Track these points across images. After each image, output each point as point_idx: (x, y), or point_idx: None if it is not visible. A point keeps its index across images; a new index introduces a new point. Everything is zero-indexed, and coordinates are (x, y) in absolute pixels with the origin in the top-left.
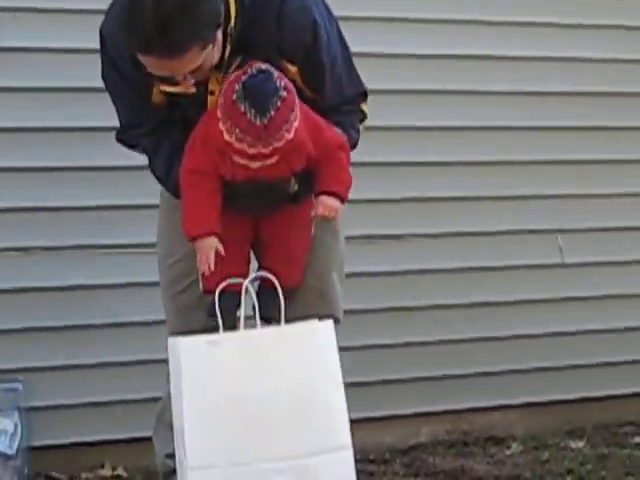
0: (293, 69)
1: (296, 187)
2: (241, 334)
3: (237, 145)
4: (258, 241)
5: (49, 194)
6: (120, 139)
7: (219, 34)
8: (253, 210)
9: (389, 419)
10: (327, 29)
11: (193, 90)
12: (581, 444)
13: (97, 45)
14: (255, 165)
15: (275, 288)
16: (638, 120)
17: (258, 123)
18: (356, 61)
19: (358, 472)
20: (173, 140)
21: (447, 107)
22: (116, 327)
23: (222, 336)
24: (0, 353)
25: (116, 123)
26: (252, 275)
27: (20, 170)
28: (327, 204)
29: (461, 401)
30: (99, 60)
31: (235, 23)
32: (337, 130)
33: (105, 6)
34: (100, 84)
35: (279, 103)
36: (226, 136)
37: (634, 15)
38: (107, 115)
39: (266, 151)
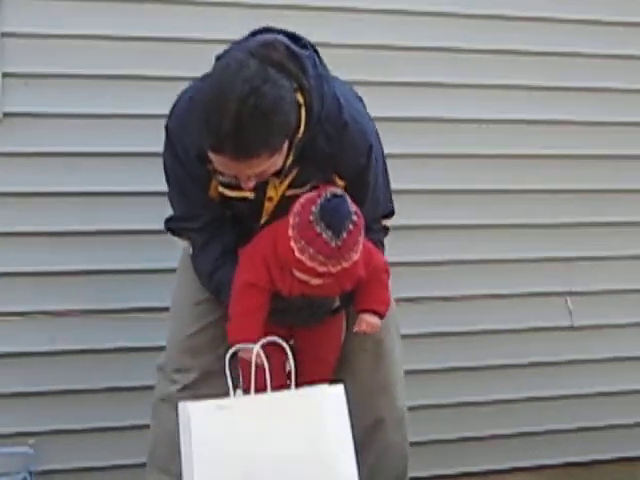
0: (341, 183)
1: (338, 303)
2: (251, 398)
3: (309, 263)
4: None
5: (60, 258)
6: (170, 228)
7: (287, 143)
8: (298, 322)
9: None
10: (377, 152)
11: (251, 195)
12: None
13: (104, 109)
14: (316, 282)
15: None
16: None
17: (333, 244)
18: None
19: None
20: (223, 241)
21: (456, 172)
22: (128, 391)
23: (232, 400)
24: (10, 417)
25: (126, 187)
26: (262, 341)
27: (34, 234)
28: (370, 322)
29: (474, 463)
30: (107, 124)
31: (302, 134)
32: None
33: (114, 71)
34: (110, 149)
35: (351, 226)
36: (297, 254)
37: None
38: (117, 180)
39: (334, 270)
